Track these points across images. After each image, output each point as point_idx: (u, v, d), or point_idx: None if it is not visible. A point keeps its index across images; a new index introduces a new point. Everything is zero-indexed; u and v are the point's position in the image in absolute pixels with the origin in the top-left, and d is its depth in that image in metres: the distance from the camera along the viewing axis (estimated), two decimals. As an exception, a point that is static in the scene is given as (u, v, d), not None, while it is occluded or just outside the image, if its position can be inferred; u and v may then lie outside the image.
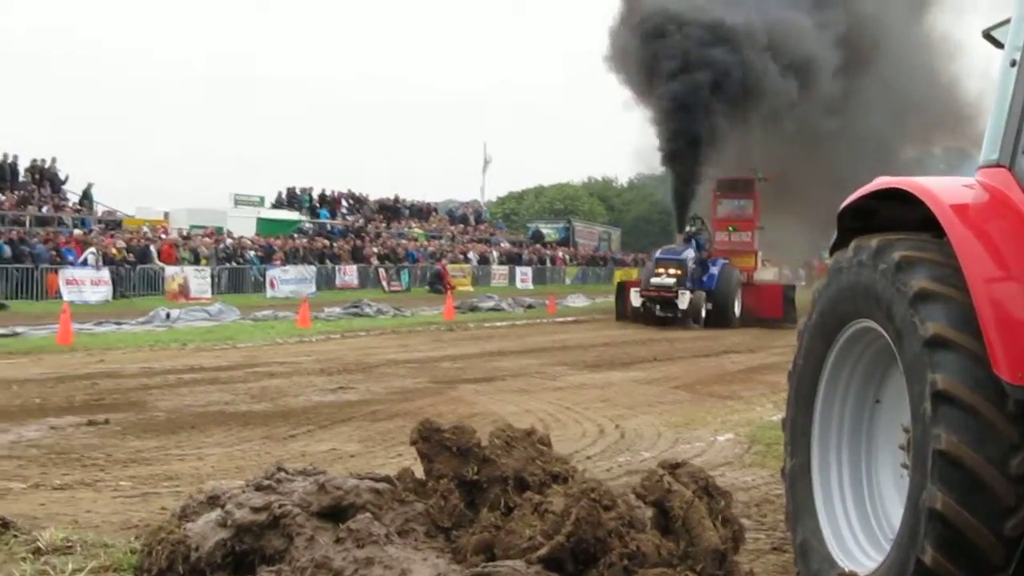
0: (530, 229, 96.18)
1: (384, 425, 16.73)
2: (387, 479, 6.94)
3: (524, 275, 76.07)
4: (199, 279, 51.96)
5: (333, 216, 74.45)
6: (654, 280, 43.58)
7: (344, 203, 77.29)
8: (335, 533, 6.39)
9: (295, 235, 65.50)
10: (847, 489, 7.40)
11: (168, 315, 37.21)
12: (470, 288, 65.39)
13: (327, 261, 62.16)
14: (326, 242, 65.08)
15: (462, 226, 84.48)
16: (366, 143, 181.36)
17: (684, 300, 42.76)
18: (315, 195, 75.63)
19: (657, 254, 45.61)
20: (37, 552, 7.63)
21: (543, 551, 6.05)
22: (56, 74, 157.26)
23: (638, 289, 44.10)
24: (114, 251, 49.80)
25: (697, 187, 49.20)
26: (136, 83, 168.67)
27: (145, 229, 57.05)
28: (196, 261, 54.41)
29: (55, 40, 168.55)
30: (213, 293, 51.09)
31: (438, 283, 63.01)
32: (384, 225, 76.10)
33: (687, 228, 46.72)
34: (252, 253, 58.13)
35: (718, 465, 13.67)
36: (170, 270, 51.32)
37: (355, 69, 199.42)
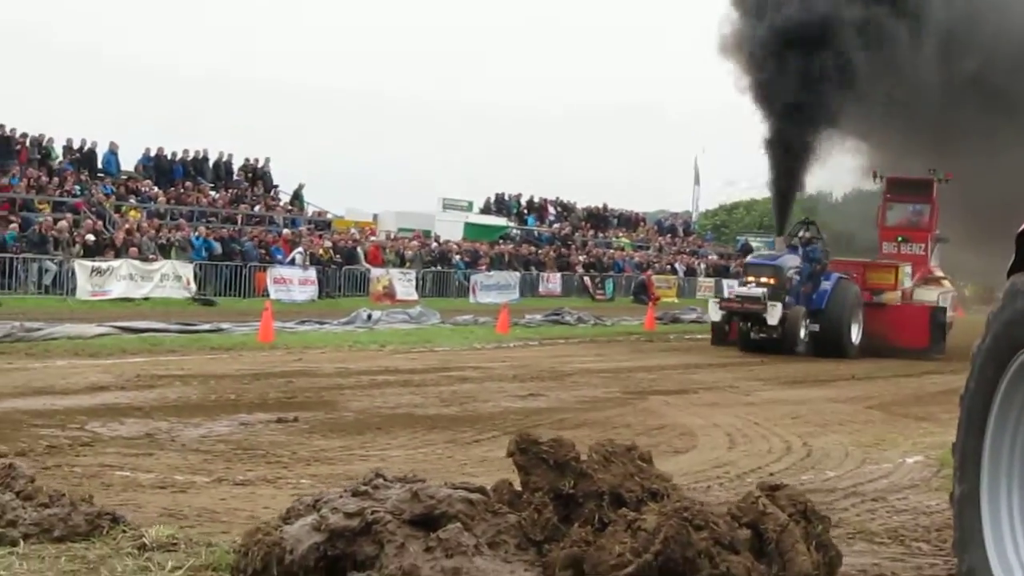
0: (739, 242, 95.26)
1: (569, 434, 16.47)
2: (482, 490, 6.87)
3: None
4: (404, 282, 52.52)
5: (540, 223, 74.67)
6: (739, 290, 35.49)
7: (552, 210, 77.45)
8: (425, 542, 6.34)
9: (501, 240, 65.83)
10: (1016, 518, 7.07)
11: (370, 316, 37.60)
12: (674, 299, 64.99)
13: (532, 268, 62.33)
14: (532, 248, 65.28)
15: (670, 237, 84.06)
16: (575, 150, 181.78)
17: (775, 314, 33.52)
18: (523, 201, 75.95)
19: (748, 259, 39.28)
20: (142, 548, 7.68)
21: (630, 569, 6.02)
22: (263, 77, 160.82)
23: (718, 300, 36.85)
24: (321, 251, 50.59)
25: (804, 178, 39.89)
26: (350, 88, 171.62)
27: (353, 231, 57.87)
28: (402, 264, 55.02)
29: (262, 50, 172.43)
30: (418, 295, 51.58)
31: (642, 293, 62.72)
32: (591, 233, 76.06)
33: (800, 233, 37.49)
34: (458, 258, 58.56)
35: (903, 488, 13.23)
36: (376, 272, 51.95)
37: (570, 73, 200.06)
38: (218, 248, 47.53)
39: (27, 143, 50.21)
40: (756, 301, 33.95)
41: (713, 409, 20.17)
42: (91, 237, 43.32)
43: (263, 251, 49.01)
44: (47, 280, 40.94)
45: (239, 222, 53.31)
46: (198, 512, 9.93)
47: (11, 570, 6.89)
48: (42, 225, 42.51)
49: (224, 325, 32.94)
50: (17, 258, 40.60)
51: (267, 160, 60.11)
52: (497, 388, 21.81)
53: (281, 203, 59.79)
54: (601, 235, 76.78)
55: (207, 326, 32.26)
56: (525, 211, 75.31)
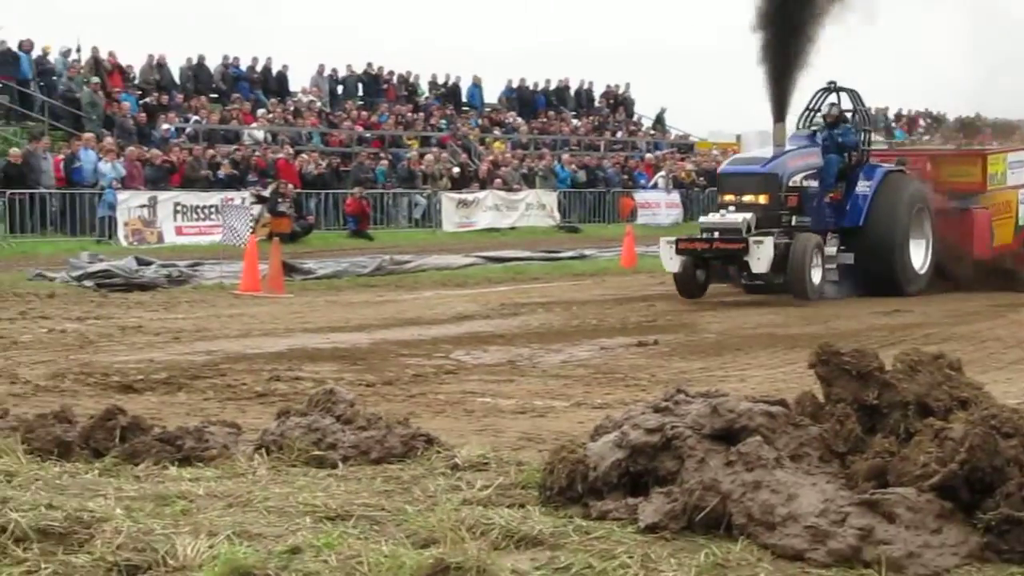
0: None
1: (932, 349, 16.08)
2: (782, 402, 6.73)
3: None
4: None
5: (909, 136, 72.59)
6: (708, 219, 23.54)
7: (921, 122, 75.19)
8: (726, 456, 6.24)
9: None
10: None
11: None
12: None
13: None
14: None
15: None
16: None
17: (762, 256, 21.76)
18: (891, 114, 73.97)
19: (723, 165, 25.66)
20: (454, 468, 7.78)
21: (935, 479, 5.80)
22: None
23: (672, 241, 22.95)
24: (683, 174, 50.46)
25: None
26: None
27: (716, 152, 57.50)
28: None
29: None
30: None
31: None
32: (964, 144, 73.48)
33: (820, 108, 25.01)
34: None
35: None
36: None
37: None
38: (582, 176, 47.96)
39: (394, 80, 51.66)
40: (733, 236, 22.21)
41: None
42: (457, 170, 44.33)
43: (626, 176, 49.19)
44: (416, 214, 42.12)
45: (601, 149, 53.65)
46: (555, 436, 10.00)
47: (329, 491, 7.09)
48: (409, 160, 43.73)
49: (587, 251, 33.22)
50: (387, 193, 41.88)
51: (627, 86, 60.28)
52: (863, 305, 21.36)
53: (643, 128, 59.87)
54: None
55: (571, 253, 32.60)
56: (893, 124, 73.33)
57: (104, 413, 8.25)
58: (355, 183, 40.78)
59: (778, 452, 6.25)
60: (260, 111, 44.91)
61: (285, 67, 48.72)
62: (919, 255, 24.32)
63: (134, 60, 44.22)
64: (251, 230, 25.53)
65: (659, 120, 60.94)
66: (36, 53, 40.38)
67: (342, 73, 50.63)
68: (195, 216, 35.64)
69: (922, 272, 24.31)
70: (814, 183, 23.50)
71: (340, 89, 50.06)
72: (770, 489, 5.96)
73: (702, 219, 24.08)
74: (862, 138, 24.68)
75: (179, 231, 35.14)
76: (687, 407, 6.71)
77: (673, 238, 23.12)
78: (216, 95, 45.48)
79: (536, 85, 56.53)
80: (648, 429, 6.61)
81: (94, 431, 8.10)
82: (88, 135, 36.41)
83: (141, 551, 5.74)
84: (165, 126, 40.52)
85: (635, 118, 60.16)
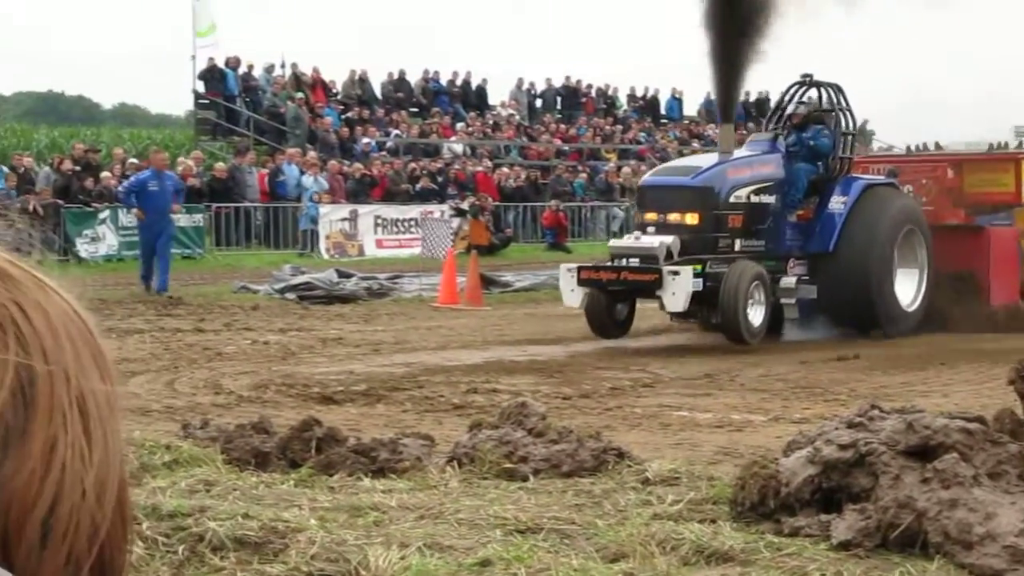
0: None
1: None
2: (980, 419, 6.59)
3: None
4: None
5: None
6: (620, 241, 19.82)
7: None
8: (921, 473, 6.15)
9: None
10: None
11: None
12: None
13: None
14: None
15: None
16: None
17: (678, 292, 17.40)
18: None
19: (645, 177, 21.60)
20: (645, 482, 7.74)
21: None
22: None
23: (572, 268, 18.56)
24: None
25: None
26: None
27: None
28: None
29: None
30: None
31: None
32: None
33: (789, 107, 20.38)
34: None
35: None
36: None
37: None
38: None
39: (593, 93, 51.77)
40: (646, 264, 17.69)
41: None
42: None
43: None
44: (614, 226, 42.10)
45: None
46: (752, 450, 9.91)
47: (520, 504, 7.11)
48: (608, 173, 43.76)
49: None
50: (585, 206, 41.96)
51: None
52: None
53: (844, 139, 59.08)
54: None
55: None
56: None
57: (301, 424, 8.41)
58: (553, 196, 40.95)
59: (976, 469, 6.14)
60: (459, 125, 45.36)
61: (484, 81, 49.15)
62: (908, 288, 19.48)
63: (337, 75, 45.04)
64: (450, 243, 25.77)
65: (862, 132, 60.05)
66: (242, 70, 41.35)
67: (541, 87, 50.90)
68: (395, 229, 36.11)
69: (911, 309, 19.41)
70: (769, 198, 18.85)
71: (539, 102, 50.31)
72: (967, 507, 5.86)
73: (612, 242, 19.64)
74: (841, 143, 19.87)
75: (379, 244, 35.63)
76: (882, 423, 6.62)
77: (574, 265, 18.64)
78: (416, 109, 46.06)
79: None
80: (841, 445, 6.54)
81: (291, 442, 8.25)
82: (292, 150, 37.16)
83: (334, 561, 5.82)
84: (366, 140, 41.16)
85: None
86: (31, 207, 27.17)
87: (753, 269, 17.91)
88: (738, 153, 19.73)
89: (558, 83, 51.42)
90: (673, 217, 18.12)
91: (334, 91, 44.21)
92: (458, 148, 43.56)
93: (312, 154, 37.24)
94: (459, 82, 48.05)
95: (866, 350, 16.99)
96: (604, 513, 6.94)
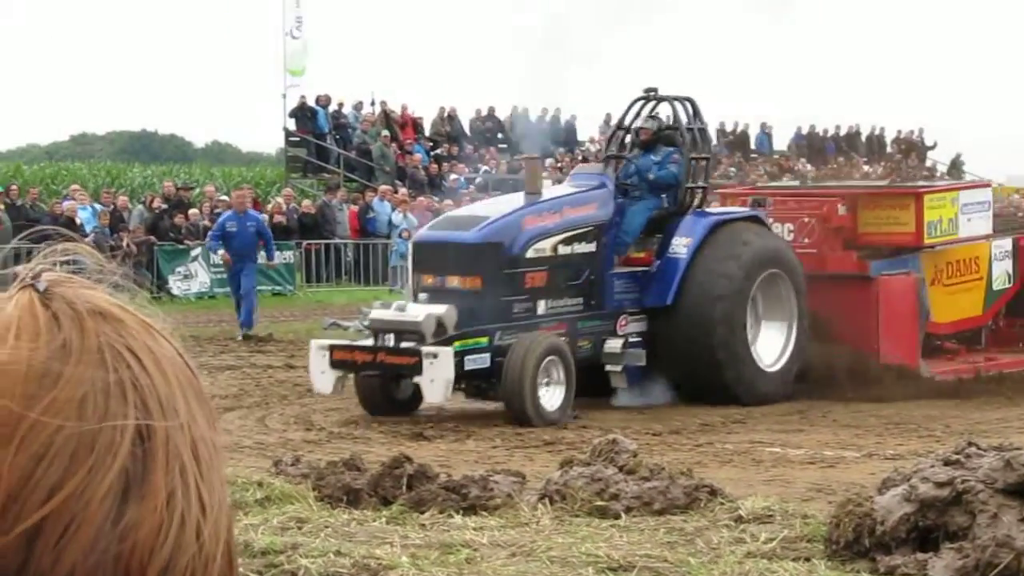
0: None
1: None
2: None
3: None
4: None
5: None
6: (380, 313, 15.47)
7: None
8: (1020, 511, 6.06)
9: None
10: None
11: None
12: None
13: None
14: None
15: None
16: None
17: (437, 379, 14.09)
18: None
19: (420, 231, 17.99)
20: (738, 520, 7.67)
21: None
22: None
23: (325, 347, 15.14)
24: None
25: None
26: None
27: (1016, 197, 55.83)
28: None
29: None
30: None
31: None
32: None
33: (633, 125, 17.85)
34: None
35: None
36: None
37: None
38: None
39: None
40: (408, 343, 14.60)
41: None
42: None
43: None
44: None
45: (892, 194, 52.68)
46: (845, 487, 9.81)
47: (612, 542, 7.07)
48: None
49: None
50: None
51: (920, 131, 59.06)
52: None
53: (938, 173, 58.56)
54: None
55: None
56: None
57: (392, 461, 8.42)
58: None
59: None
60: (548, 161, 45.44)
61: (573, 117, 49.19)
62: (773, 344, 16.32)
63: (426, 113, 45.28)
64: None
65: (955, 165, 59.50)
66: (332, 107, 41.68)
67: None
68: (484, 265, 36.10)
69: (775, 368, 16.10)
70: (588, 247, 15.70)
71: (627, 138, 50.28)
72: (1067, 548, 5.75)
73: (374, 313, 15.41)
74: (691, 170, 16.70)
75: (468, 280, 35.65)
76: (979, 460, 6.53)
77: (327, 343, 15.28)
78: (505, 145, 46.19)
79: (826, 131, 55.85)
80: (938, 483, 6.46)
81: (382, 479, 8.27)
82: (383, 187, 37.36)
83: (426, 599, 5.82)
84: (454, 176, 41.31)
85: (929, 163, 58.91)
86: (124, 244, 27.48)
87: (545, 342, 14.58)
88: (552, 193, 16.81)
89: (646, 118, 51.43)
90: (452, 281, 15.11)
91: (422, 128, 44.46)
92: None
93: (402, 191, 37.44)
94: (548, 118, 48.16)
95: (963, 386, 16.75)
96: (697, 551, 6.89)
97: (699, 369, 15.41)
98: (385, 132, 41.30)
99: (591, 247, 15.71)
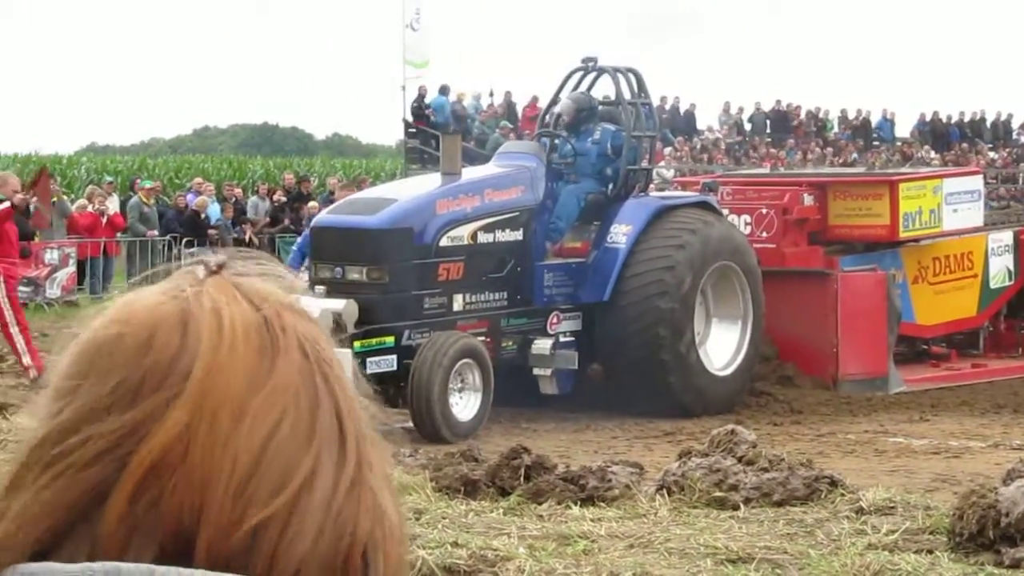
0: None
1: None
2: None
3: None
4: None
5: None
6: None
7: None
8: None
9: None
10: None
11: None
12: None
13: None
14: None
15: None
16: None
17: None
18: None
19: (317, 217, 16.15)
20: (859, 511, 7.59)
21: None
22: None
23: None
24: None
25: None
26: None
27: None
28: None
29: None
30: None
31: None
32: None
33: (561, 107, 15.49)
34: None
35: None
36: None
37: None
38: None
39: (803, 116, 51.28)
40: None
41: None
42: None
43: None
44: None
45: (1020, 181, 51.83)
46: (970, 478, 9.68)
47: (730, 533, 7.02)
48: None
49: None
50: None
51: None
52: None
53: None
54: None
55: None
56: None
57: (510, 452, 8.43)
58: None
59: None
60: (667, 149, 45.26)
61: (692, 105, 48.97)
62: (725, 346, 14.81)
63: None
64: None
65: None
66: (452, 98, 41.84)
67: (749, 110, 50.58)
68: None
69: (726, 373, 14.57)
70: (513, 234, 14.11)
71: (748, 126, 49.95)
72: None
73: None
74: (636, 150, 15.14)
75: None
76: (1108, 451, 6.39)
77: None
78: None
79: (950, 117, 55.10)
80: (1065, 474, 6.33)
81: (500, 469, 8.27)
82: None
83: (542, 590, 5.81)
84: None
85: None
86: (247, 237, 27.77)
87: (459, 342, 13.01)
88: (471, 174, 15.09)
89: (767, 107, 51.04)
90: (353, 272, 13.36)
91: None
92: (667, 174, 43.39)
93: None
94: (667, 106, 47.97)
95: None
96: (817, 543, 6.82)
97: (637, 377, 13.85)
98: (505, 123, 41.37)
99: (517, 235, 14.11)
